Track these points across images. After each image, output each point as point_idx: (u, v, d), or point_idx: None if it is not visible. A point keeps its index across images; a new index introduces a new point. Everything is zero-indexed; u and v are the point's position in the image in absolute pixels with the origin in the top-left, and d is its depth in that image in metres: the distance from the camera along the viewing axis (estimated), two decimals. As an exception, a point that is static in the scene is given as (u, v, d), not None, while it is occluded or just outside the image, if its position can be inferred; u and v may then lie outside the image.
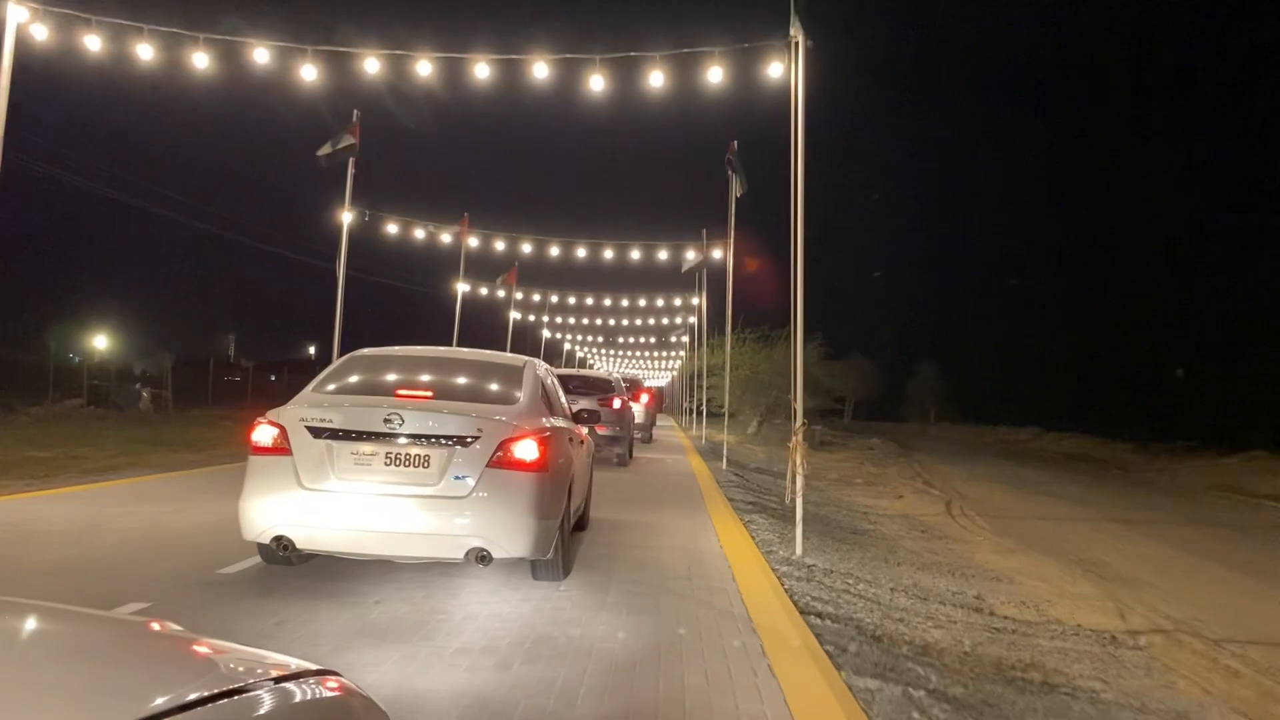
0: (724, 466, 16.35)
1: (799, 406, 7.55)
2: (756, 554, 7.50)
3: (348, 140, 14.87)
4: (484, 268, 27.14)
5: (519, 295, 29.16)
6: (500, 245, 20.79)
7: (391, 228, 19.05)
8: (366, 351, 6.66)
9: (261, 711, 1.27)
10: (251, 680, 1.32)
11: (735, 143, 15.64)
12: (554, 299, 29.69)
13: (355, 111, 15.96)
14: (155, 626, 1.67)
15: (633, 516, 9.49)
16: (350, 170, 16.02)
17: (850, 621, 5.78)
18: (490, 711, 3.70)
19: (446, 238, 22.40)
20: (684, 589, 6.13)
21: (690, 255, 17.94)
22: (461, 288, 24.57)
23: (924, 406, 77.83)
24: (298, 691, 1.37)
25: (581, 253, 18.67)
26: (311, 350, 67.96)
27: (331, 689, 1.45)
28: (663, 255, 17.89)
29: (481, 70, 10.26)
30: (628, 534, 8.37)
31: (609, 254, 18.40)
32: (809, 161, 7.81)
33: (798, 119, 7.89)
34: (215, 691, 1.23)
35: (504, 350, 24.10)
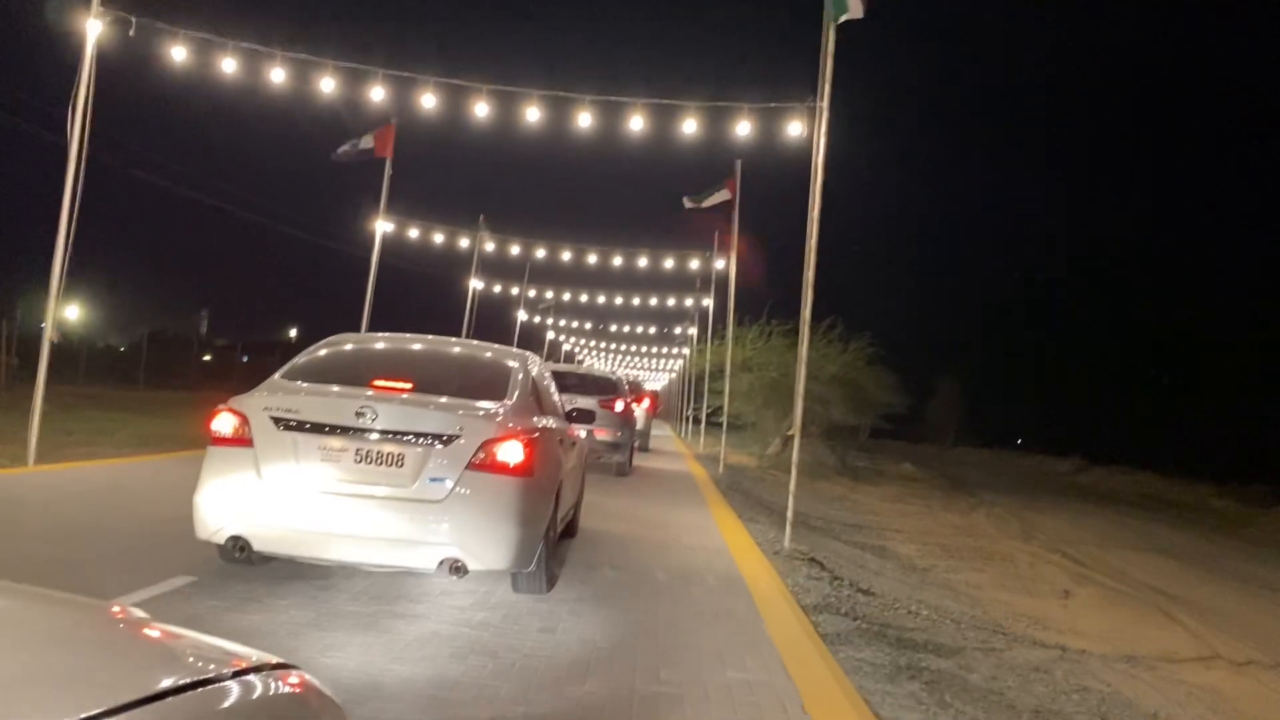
0: (786, 543, 8.42)
1: None
2: None
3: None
4: (430, 212, 19.69)
5: (468, 243, 21.53)
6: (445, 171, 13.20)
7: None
8: (344, 337, 6.19)
9: (218, 705, 1.25)
10: (210, 672, 1.30)
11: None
12: (516, 248, 21.73)
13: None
14: (116, 610, 1.64)
15: None
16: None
17: None
18: None
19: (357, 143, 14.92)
20: None
21: (746, 126, 9.95)
22: (381, 226, 16.88)
23: (942, 427, 70.24)
24: (257, 685, 1.35)
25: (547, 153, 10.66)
26: (293, 333, 64.99)
27: (292, 684, 1.42)
28: (675, 188, 10.27)
29: None
30: None
31: (591, 167, 10.55)
32: None
33: None
34: (174, 684, 1.20)
35: (462, 335, 17.93)
